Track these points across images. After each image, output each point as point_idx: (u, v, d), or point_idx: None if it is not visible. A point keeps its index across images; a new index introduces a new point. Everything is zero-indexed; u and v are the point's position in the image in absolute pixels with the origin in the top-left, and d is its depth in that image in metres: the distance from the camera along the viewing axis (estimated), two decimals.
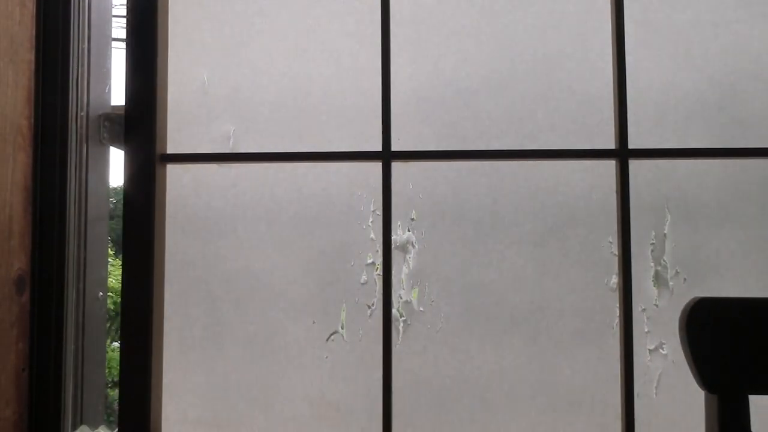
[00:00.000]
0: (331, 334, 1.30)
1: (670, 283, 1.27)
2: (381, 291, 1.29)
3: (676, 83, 1.30)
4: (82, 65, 1.45)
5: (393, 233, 1.29)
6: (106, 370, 1.59)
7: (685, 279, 1.27)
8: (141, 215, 1.28)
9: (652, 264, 1.28)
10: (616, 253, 1.27)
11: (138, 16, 1.32)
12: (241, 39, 1.35)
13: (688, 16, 1.31)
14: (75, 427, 1.39)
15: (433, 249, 1.30)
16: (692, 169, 1.29)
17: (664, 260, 1.28)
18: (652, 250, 1.28)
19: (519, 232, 1.30)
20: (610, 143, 1.29)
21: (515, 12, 1.33)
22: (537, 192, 1.30)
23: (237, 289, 1.32)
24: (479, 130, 1.32)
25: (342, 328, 1.30)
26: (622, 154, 1.28)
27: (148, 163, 1.29)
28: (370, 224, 1.31)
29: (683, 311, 0.79)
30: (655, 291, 1.27)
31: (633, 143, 1.28)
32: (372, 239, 1.31)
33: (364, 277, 1.31)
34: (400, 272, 1.30)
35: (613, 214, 1.28)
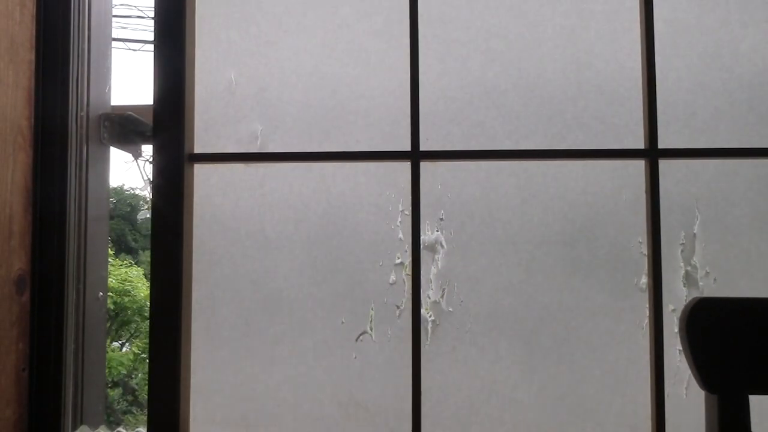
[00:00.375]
0: (360, 335, 1.30)
1: (700, 284, 1.27)
2: (410, 291, 1.29)
3: (705, 83, 1.29)
4: (82, 65, 1.44)
5: (422, 233, 1.29)
6: (106, 370, 1.58)
7: (715, 279, 1.27)
8: (169, 215, 1.28)
9: (682, 264, 1.27)
10: (646, 253, 1.27)
11: (166, 16, 1.31)
12: (268, 38, 1.35)
13: (718, 15, 1.30)
14: (75, 427, 1.39)
15: (462, 249, 1.30)
16: (722, 169, 1.28)
17: (693, 261, 1.27)
18: (682, 251, 1.27)
19: (548, 232, 1.29)
20: (639, 143, 1.29)
21: (544, 11, 1.32)
22: (566, 192, 1.30)
23: (265, 289, 1.31)
24: (508, 130, 1.31)
25: (371, 329, 1.30)
26: (652, 154, 1.28)
27: (177, 162, 1.29)
28: (398, 224, 1.31)
29: (683, 311, 0.80)
30: (685, 291, 1.27)
31: (662, 143, 1.28)
32: (400, 239, 1.31)
33: (392, 277, 1.30)
34: (429, 272, 1.30)
35: (642, 214, 1.28)
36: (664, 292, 1.26)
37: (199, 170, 1.33)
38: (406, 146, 1.31)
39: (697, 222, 1.28)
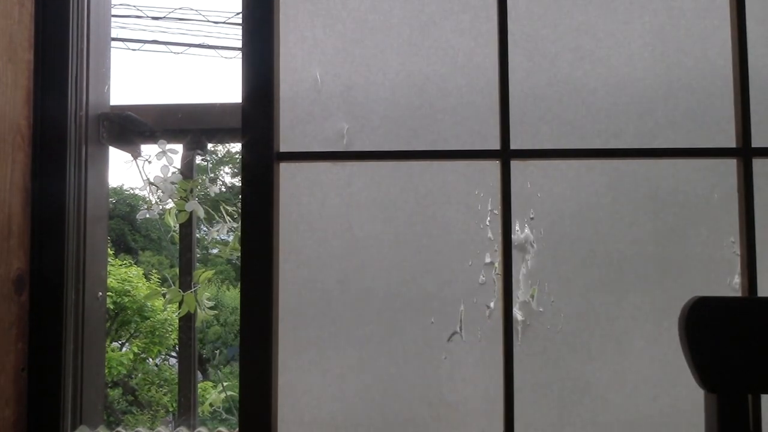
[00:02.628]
0: (452, 335, 1.29)
1: None
2: (500, 291, 1.28)
3: None
4: (81, 65, 1.44)
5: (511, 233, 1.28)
6: (106, 370, 1.58)
7: None
8: (259, 215, 1.27)
9: None
10: (739, 253, 1.26)
11: (253, 14, 1.30)
12: (354, 36, 1.34)
13: None
14: (74, 427, 1.39)
15: (552, 248, 1.29)
16: None
17: None
18: None
19: (639, 231, 1.28)
20: (731, 142, 1.28)
21: (633, 8, 1.31)
22: (657, 191, 1.29)
23: (353, 289, 1.30)
24: (597, 129, 1.30)
25: (460, 329, 1.29)
26: (745, 152, 1.26)
27: (267, 162, 1.28)
28: (487, 223, 1.30)
29: (683, 310, 0.79)
30: None
31: (755, 142, 1.27)
32: (489, 239, 1.30)
33: (482, 277, 1.29)
34: (518, 272, 1.29)
35: (734, 213, 1.27)
36: (759, 292, 1.25)
37: (285, 169, 1.32)
38: (494, 145, 1.30)
39: None
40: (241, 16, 1.30)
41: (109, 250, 1.57)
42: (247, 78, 1.29)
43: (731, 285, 1.26)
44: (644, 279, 1.28)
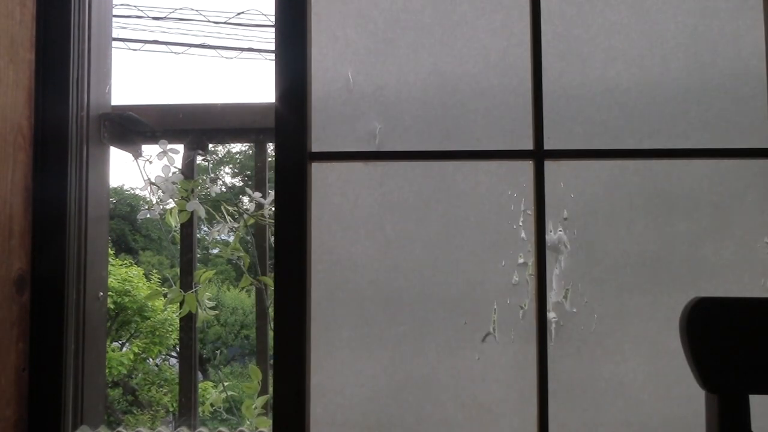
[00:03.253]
0: (486, 336, 1.28)
1: None
2: (533, 292, 1.28)
3: None
4: (82, 65, 1.44)
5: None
6: (106, 370, 1.58)
7: None
8: (293, 215, 1.26)
9: None
10: None
11: (286, 15, 1.29)
12: (386, 36, 1.33)
13: None
14: (75, 427, 1.39)
15: (586, 249, 1.29)
16: None
17: None
18: None
19: (673, 232, 1.28)
20: (765, 142, 1.28)
21: (666, 8, 1.31)
22: (690, 191, 1.29)
23: (385, 290, 1.30)
24: (630, 129, 1.30)
25: (493, 330, 1.28)
26: None
27: (300, 162, 1.27)
28: (520, 224, 1.29)
29: (683, 311, 0.79)
30: None
31: None
32: (523, 239, 1.29)
33: (515, 278, 1.29)
34: (551, 273, 1.29)
35: None
36: None
37: (317, 169, 1.31)
38: (527, 145, 1.30)
39: None
40: (274, 18, 1.29)
41: (109, 250, 1.57)
42: (280, 78, 1.28)
43: (765, 286, 1.26)
44: (678, 280, 1.27)
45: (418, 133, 1.32)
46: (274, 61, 1.28)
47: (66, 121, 1.39)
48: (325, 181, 1.32)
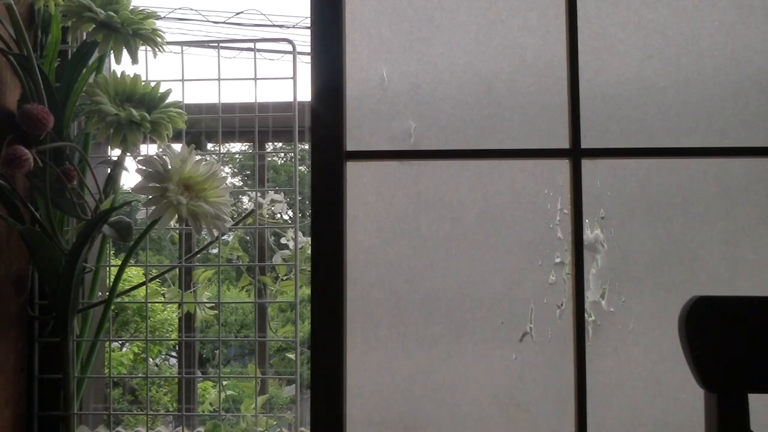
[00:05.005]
0: (523, 335, 1.27)
1: None
2: (570, 291, 1.27)
3: None
4: None
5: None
6: (106, 370, 1.58)
7: None
8: (330, 215, 1.26)
9: None
10: None
11: (322, 14, 1.29)
12: (420, 34, 1.32)
13: None
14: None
15: (623, 248, 1.28)
16: None
17: None
18: None
19: (710, 231, 1.28)
20: None
21: (702, 6, 1.30)
22: (728, 190, 1.28)
23: (421, 289, 1.29)
24: (667, 127, 1.29)
25: (530, 329, 1.28)
26: None
27: (336, 161, 1.26)
28: (557, 223, 1.29)
29: (683, 309, 0.79)
30: None
31: None
32: (559, 238, 1.29)
33: (552, 277, 1.28)
34: (588, 272, 1.28)
35: None
36: None
37: (352, 168, 1.31)
38: (563, 143, 1.29)
39: None
40: (309, 17, 1.28)
41: (109, 250, 1.56)
42: (316, 77, 1.27)
43: None
44: (716, 279, 1.27)
45: (453, 131, 1.31)
46: (310, 61, 1.27)
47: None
48: (360, 180, 1.31)
